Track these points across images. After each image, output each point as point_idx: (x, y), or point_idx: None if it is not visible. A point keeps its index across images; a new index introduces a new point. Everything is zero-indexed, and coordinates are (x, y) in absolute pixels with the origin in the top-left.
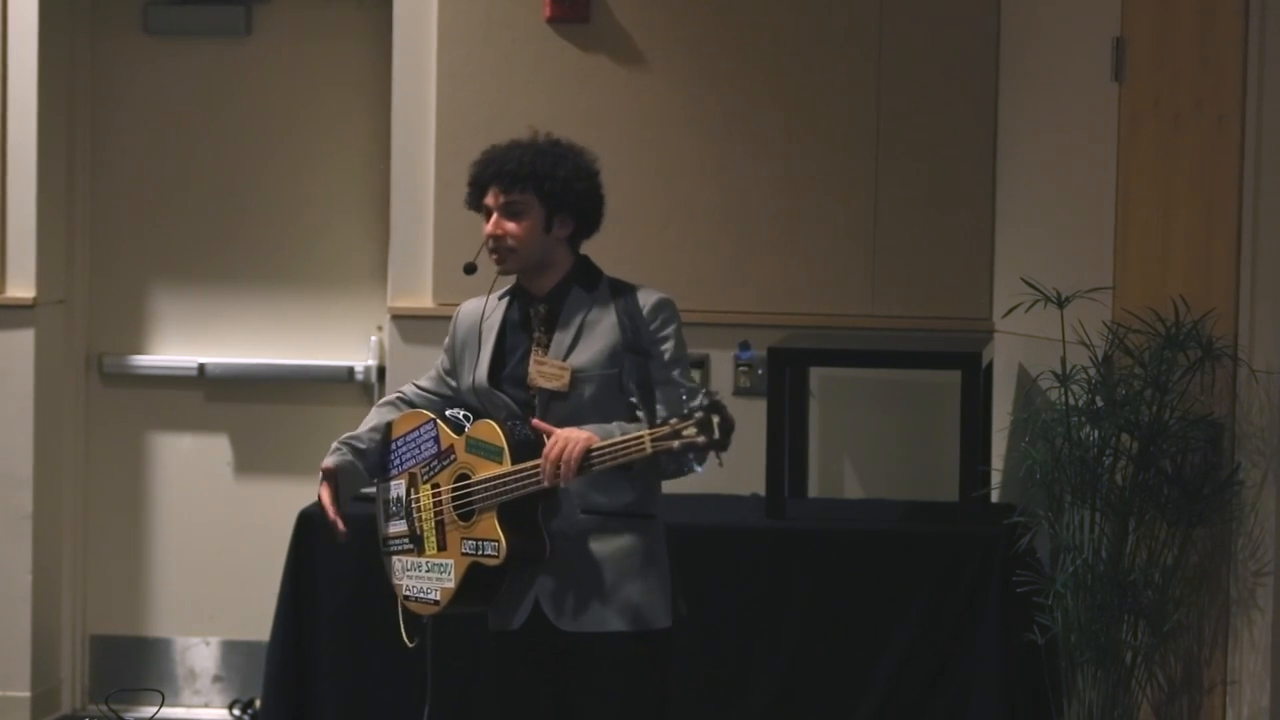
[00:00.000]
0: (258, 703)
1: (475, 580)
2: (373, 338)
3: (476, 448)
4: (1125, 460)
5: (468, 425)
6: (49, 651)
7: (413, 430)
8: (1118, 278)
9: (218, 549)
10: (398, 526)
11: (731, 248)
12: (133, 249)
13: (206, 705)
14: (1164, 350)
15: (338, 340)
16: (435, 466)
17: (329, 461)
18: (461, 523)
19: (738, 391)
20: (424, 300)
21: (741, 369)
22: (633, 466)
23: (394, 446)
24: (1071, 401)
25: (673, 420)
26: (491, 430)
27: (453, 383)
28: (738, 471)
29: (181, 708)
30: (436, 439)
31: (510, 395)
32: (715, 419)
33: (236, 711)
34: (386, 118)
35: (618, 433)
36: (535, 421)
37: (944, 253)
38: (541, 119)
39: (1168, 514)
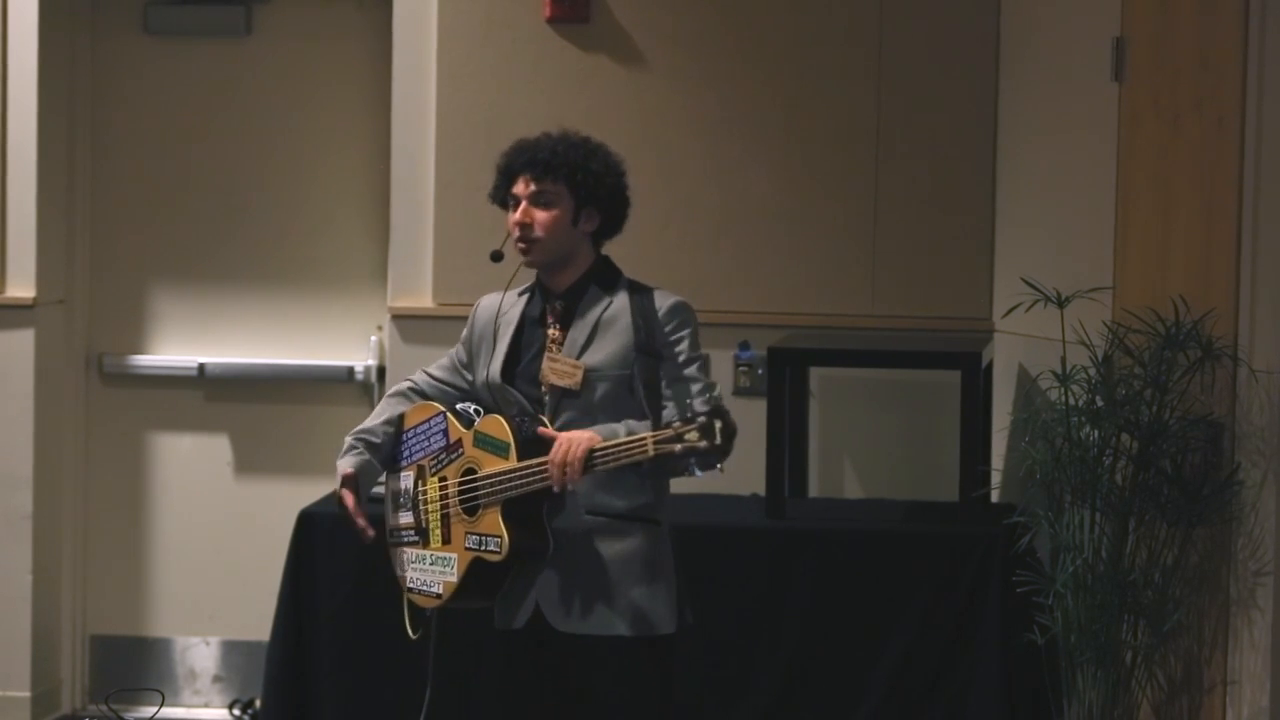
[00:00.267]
0: (258, 703)
1: (478, 575)
2: (373, 338)
3: (484, 442)
4: (1125, 460)
5: (477, 420)
6: (49, 651)
7: (423, 422)
8: (1118, 278)
9: (218, 549)
10: (405, 518)
11: (731, 248)
12: (133, 249)
13: (206, 705)
14: (1164, 350)
15: (338, 340)
16: (443, 459)
17: (348, 466)
18: (466, 517)
19: (738, 391)
20: (424, 300)
21: (741, 369)
22: (641, 466)
23: (404, 438)
24: (1071, 401)
25: (675, 424)
26: (499, 426)
27: (468, 376)
28: (738, 471)
29: (181, 708)
30: (445, 432)
31: (523, 391)
32: (718, 424)
33: (236, 711)
34: (386, 118)
35: (623, 432)
36: (541, 430)
37: (944, 253)
38: (541, 119)
39: (1168, 514)
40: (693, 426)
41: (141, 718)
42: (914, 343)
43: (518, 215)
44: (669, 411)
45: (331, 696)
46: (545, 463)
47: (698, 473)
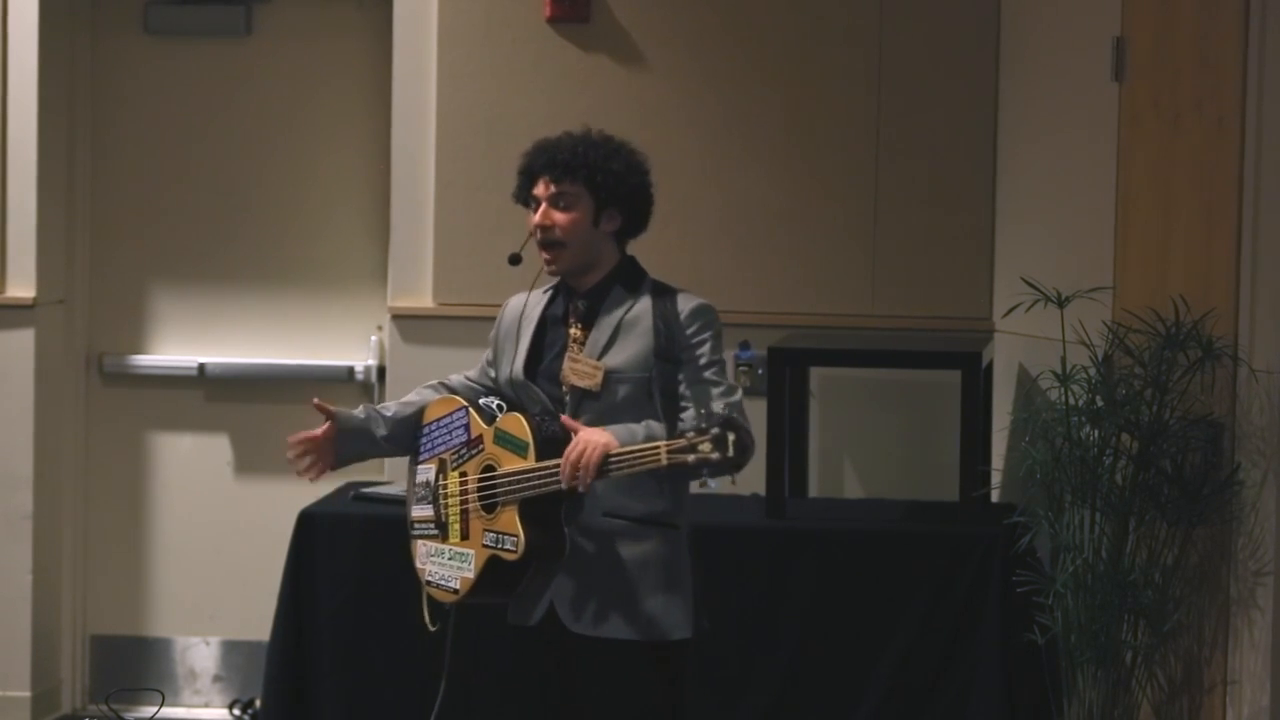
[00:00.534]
0: (258, 703)
1: (494, 573)
2: (373, 338)
3: (503, 440)
4: (1125, 460)
5: (499, 415)
6: (49, 651)
7: (446, 416)
8: (1118, 278)
9: (218, 549)
10: (424, 510)
11: (731, 248)
12: (133, 249)
13: (206, 705)
14: (1164, 350)
15: (338, 340)
16: (464, 455)
17: (335, 407)
18: (485, 514)
19: None
20: (424, 300)
21: (741, 369)
22: (656, 472)
23: (427, 430)
24: (1071, 401)
25: (689, 434)
26: (519, 424)
27: (493, 374)
28: (717, 483)
29: (181, 708)
30: (467, 427)
31: (545, 390)
32: (730, 437)
33: (236, 711)
34: (386, 118)
35: (642, 434)
36: (564, 418)
37: (944, 253)
38: (541, 119)
39: (1168, 514)
40: (706, 438)
41: (141, 718)
42: (914, 343)
43: (537, 217)
44: (687, 417)
45: (331, 696)
46: (561, 464)
47: (711, 483)
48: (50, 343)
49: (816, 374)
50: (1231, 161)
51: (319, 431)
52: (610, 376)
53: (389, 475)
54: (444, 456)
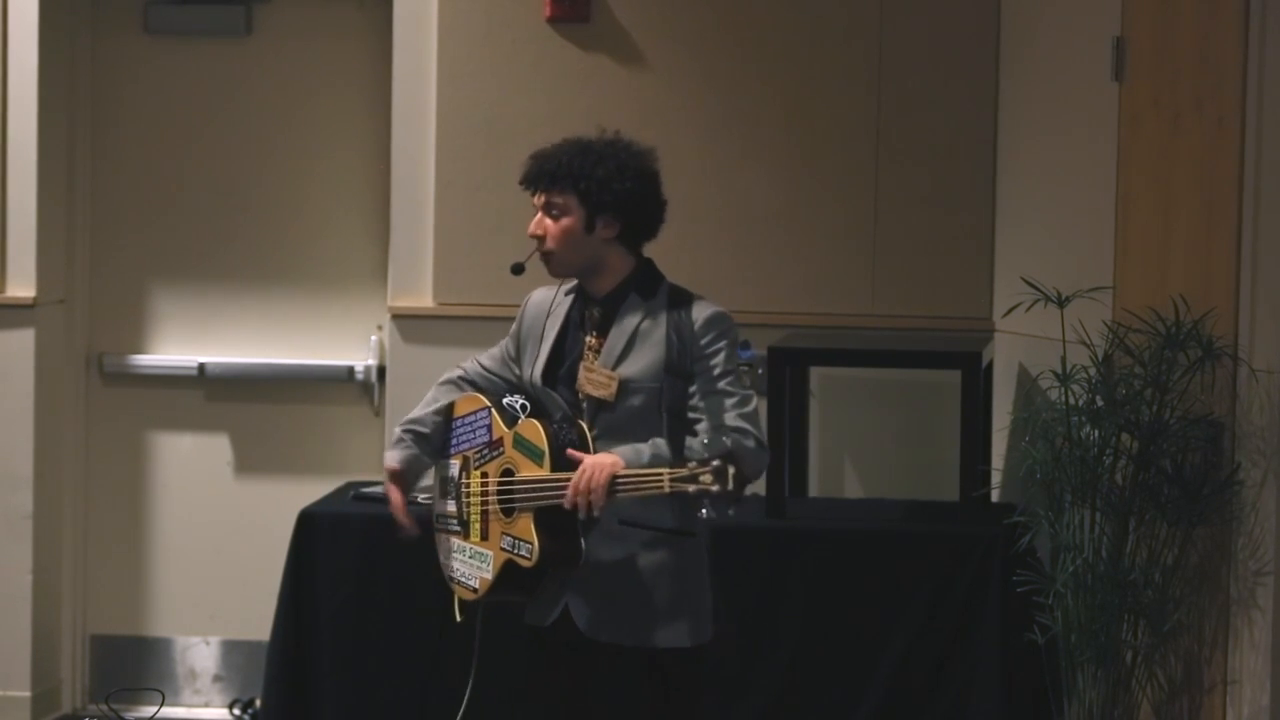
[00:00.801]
0: (258, 703)
1: (511, 576)
2: (373, 337)
3: (521, 446)
4: (1125, 460)
5: (521, 417)
6: (49, 651)
7: (470, 414)
8: (1118, 277)
9: (218, 549)
10: (449, 506)
11: (731, 248)
12: (133, 249)
13: (206, 705)
14: (1164, 350)
15: (338, 340)
16: (486, 455)
17: (394, 461)
18: (504, 517)
19: None
20: (424, 300)
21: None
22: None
23: (454, 426)
24: (1071, 401)
25: (692, 464)
26: (536, 431)
27: (517, 370)
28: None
29: (181, 707)
30: (489, 428)
31: (564, 396)
32: (731, 471)
33: (236, 711)
34: (386, 118)
35: (648, 454)
36: (570, 452)
37: (944, 253)
38: (541, 119)
39: (1168, 514)
40: (707, 469)
41: (141, 718)
42: (914, 343)
43: (531, 227)
44: (694, 443)
45: (331, 696)
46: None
47: (710, 513)
48: (50, 343)
49: (816, 374)
50: (1231, 161)
51: (402, 499)
52: (625, 386)
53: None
54: (468, 454)
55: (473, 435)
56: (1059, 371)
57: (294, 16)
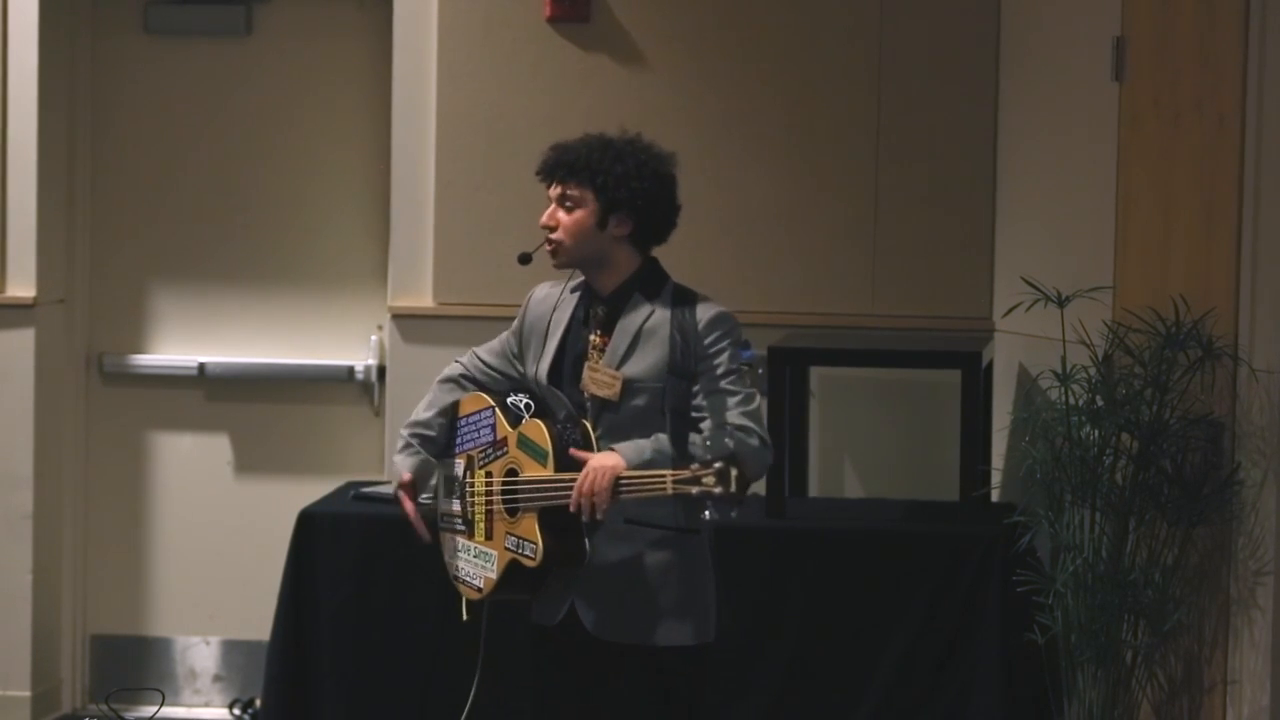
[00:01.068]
0: (258, 703)
1: (515, 576)
2: (373, 337)
3: (525, 446)
4: (1125, 460)
5: (525, 417)
6: (49, 651)
7: (475, 413)
8: (1118, 277)
9: (218, 549)
10: (454, 505)
11: (731, 248)
12: (133, 249)
13: (206, 705)
14: (1164, 350)
15: (338, 340)
16: (490, 454)
17: (405, 469)
18: (508, 517)
19: None
20: (424, 300)
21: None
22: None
23: (459, 425)
24: (1071, 401)
25: (694, 466)
26: (540, 432)
27: (519, 367)
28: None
29: (181, 707)
30: (493, 427)
31: (568, 395)
32: (733, 473)
33: (236, 711)
34: (386, 117)
35: (650, 450)
36: (573, 451)
37: (944, 252)
38: (541, 119)
39: (1168, 513)
40: (710, 471)
41: (141, 718)
42: (914, 343)
43: (544, 218)
44: (698, 441)
45: (331, 696)
46: (575, 479)
47: (714, 515)
48: (50, 343)
49: (816, 374)
50: (1231, 161)
51: (413, 508)
52: (629, 385)
53: (389, 475)
54: (472, 454)
55: (477, 434)
56: (1059, 371)
57: (294, 16)
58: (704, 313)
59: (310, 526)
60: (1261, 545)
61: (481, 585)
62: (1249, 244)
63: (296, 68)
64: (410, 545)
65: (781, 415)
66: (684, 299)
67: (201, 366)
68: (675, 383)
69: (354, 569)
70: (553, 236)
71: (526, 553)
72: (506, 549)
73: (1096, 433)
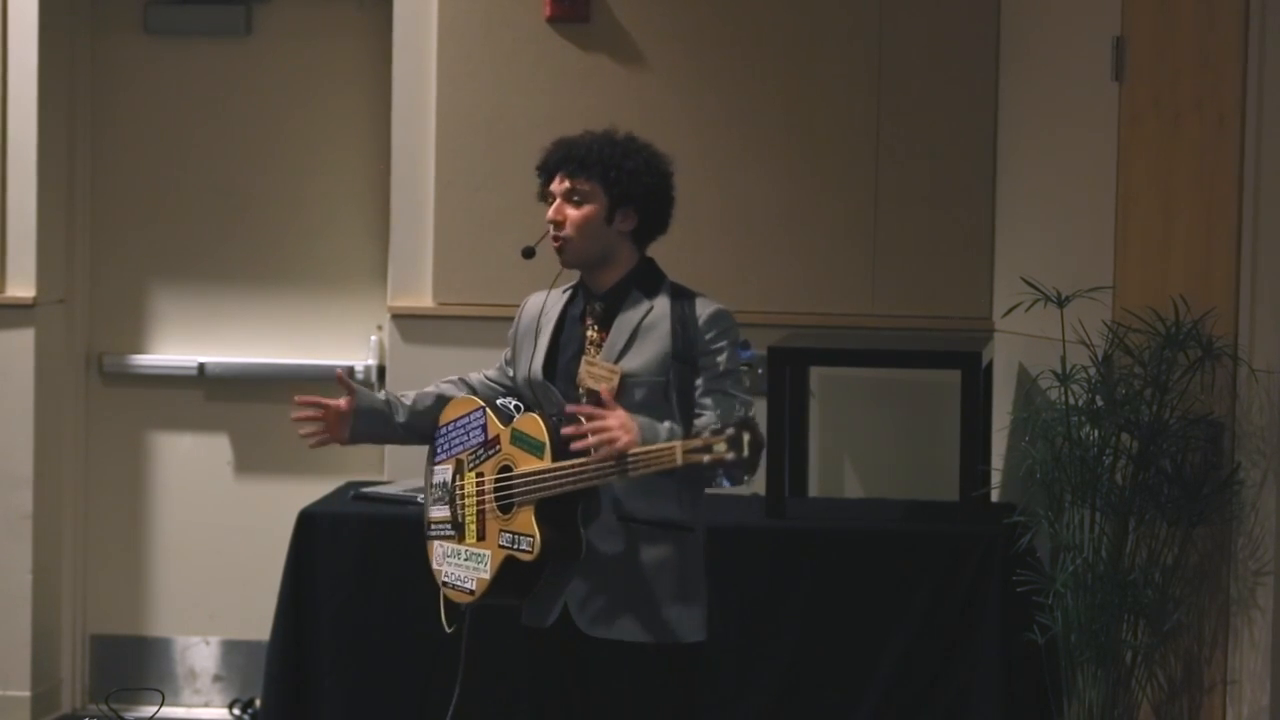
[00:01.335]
0: (258, 703)
1: (510, 574)
2: (373, 337)
3: (520, 441)
4: (1125, 460)
5: (516, 416)
6: (49, 651)
7: (463, 416)
8: (1118, 277)
9: (218, 549)
10: (441, 511)
11: (731, 248)
12: (133, 249)
13: (206, 705)
14: (1164, 350)
15: (338, 340)
16: (481, 455)
17: (360, 386)
18: (501, 515)
19: None
20: (424, 300)
21: (742, 369)
22: (673, 474)
23: (444, 431)
24: (1071, 401)
25: (705, 434)
26: (535, 425)
27: (511, 372)
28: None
29: (181, 707)
30: (484, 427)
31: (562, 391)
32: (746, 437)
33: (236, 711)
34: (386, 118)
35: (663, 432)
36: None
37: (944, 252)
38: (541, 119)
39: (1168, 513)
40: (721, 438)
41: (141, 718)
42: (914, 342)
43: (550, 212)
44: (705, 419)
45: (331, 696)
46: (579, 465)
47: (725, 483)
48: (50, 343)
49: (816, 374)
50: (1231, 161)
51: (338, 402)
52: (627, 380)
53: (389, 475)
54: (461, 457)
55: (466, 437)
56: (1059, 371)
57: (294, 16)
58: (703, 309)
59: (310, 526)
60: (1261, 545)
61: (473, 587)
62: (1249, 244)
63: (296, 68)
64: (410, 546)
65: (781, 415)
66: (682, 295)
67: (201, 366)
68: (680, 367)
69: (354, 569)
70: (561, 233)
71: (523, 547)
72: (501, 546)
73: (1096, 433)
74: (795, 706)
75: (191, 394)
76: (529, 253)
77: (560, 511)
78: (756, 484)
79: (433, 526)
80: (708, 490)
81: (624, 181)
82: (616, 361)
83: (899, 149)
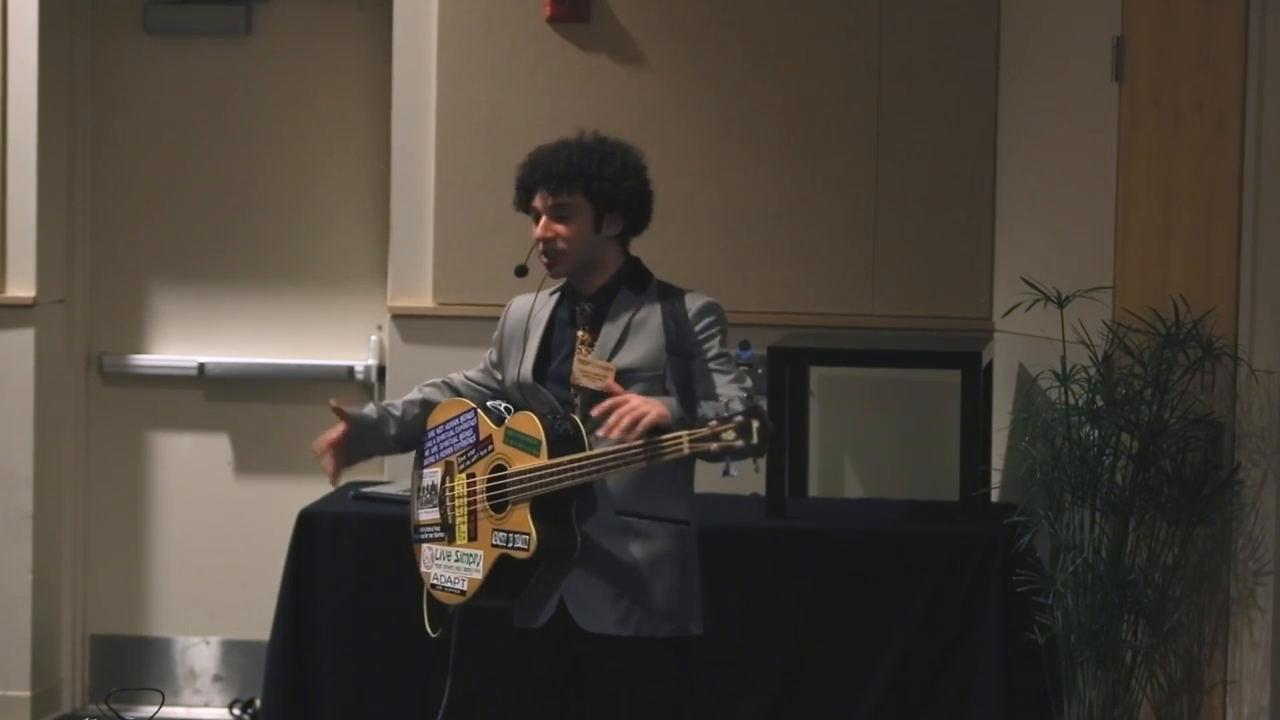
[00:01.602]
0: (258, 703)
1: (503, 573)
2: (373, 337)
3: (515, 439)
4: (1125, 460)
5: (508, 417)
6: (49, 651)
7: (452, 419)
8: (1118, 277)
9: (218, 549)
10: (429, 514)
11: (731, 248)
12: (133, 249)
13: (206, 705)
14: (1164, 350)
15: (338, 340)
16: (472, 456)
17: (350, 409)
18: (494, 514)
19: None
20: (424, 300)
21: (742, 369)
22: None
23: (432, 434)
24: (1071, 401)
25: (713, 422)
26: (531, 423)
27: (499, 375)
28: (738, 470)
29: (181, 707)
30: (475, 428)
31: (553, 393)
32: (755, 424)
33: (236, 711)
34: (386, 118)
35: (677, 410)
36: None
37: (944, 252)
38: (541, 119)
39: (1168, 513)
40: (729, 426)
41: (141, 718)
42: (914, 343)
43: (539, 230)
44: (707, 408)
45: (331, 696)
46: (578, 459)
47: (733, 472)
48: (50, 343)
49: (816, 374)
50: (1231, 161)
51: (336, 434)
52: (622, 376)
53: (389, 475)
54: (450, 459)
55: (455, 439)
56: (1059, 371)
57: (294, 16)
58: (692, 302)
59: (310, 526)
60: (1261, 545)
61: (465, 588)
62: (1249, 244)
63: (296, 68)
64: (411, 546)
65: (781, 415)
66: (670, 292)
67: (201, 366)
68: (676, 360)
69: (354, 569)
70: (553, 249)
71: (518, 545)
72: (494, 545)
73: (1096, 433)
74: (795, 706)
75: (191, 394)
76: (521, 271)
77: (556, 509)
78: (757, 484)
79: (421, 530)
80: (707, 491)
81: (607, 190)
82: (610, 359)
83: (899, 149)
